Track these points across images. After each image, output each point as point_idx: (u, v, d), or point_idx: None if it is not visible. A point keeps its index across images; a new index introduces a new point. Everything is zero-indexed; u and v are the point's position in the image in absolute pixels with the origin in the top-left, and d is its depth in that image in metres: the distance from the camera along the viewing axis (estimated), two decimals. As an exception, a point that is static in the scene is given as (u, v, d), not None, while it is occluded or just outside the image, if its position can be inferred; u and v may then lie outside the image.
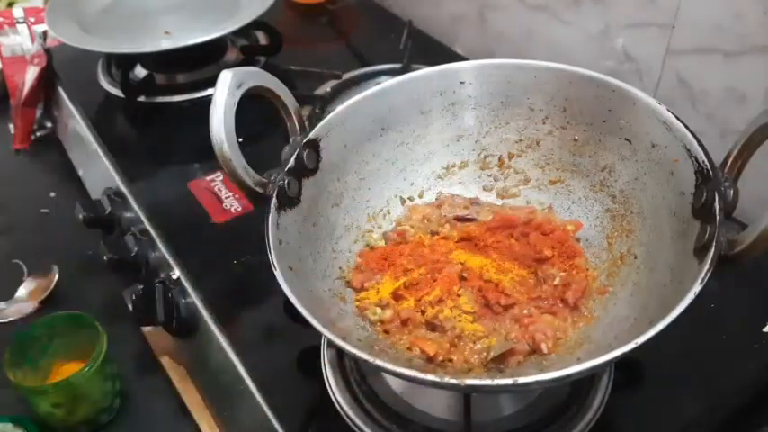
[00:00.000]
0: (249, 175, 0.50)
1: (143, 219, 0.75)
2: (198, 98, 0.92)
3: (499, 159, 0.62)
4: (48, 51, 1.01)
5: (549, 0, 0.88)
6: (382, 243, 0.58)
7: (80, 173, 0.96)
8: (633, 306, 0.48)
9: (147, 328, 0.73)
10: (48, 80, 1.02)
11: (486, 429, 0.52)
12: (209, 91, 0.91)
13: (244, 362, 0.59)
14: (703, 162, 0.45)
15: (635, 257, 0.51)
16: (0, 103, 1.09)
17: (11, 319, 0.77)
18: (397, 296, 0.52)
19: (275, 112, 0.55)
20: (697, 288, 0.39)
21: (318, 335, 0.43)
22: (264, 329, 0.63)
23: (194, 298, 0.66)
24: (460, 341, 0.49)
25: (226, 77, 0.48)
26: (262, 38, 1.02)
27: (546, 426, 0.52)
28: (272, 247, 0.46)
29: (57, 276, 0.81)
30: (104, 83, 0.97)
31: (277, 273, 0.45)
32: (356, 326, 0.50)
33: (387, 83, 0.59)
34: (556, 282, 0.52)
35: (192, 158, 0.83)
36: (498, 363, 0.47)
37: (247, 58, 0.98)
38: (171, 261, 0.69)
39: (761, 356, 0.58)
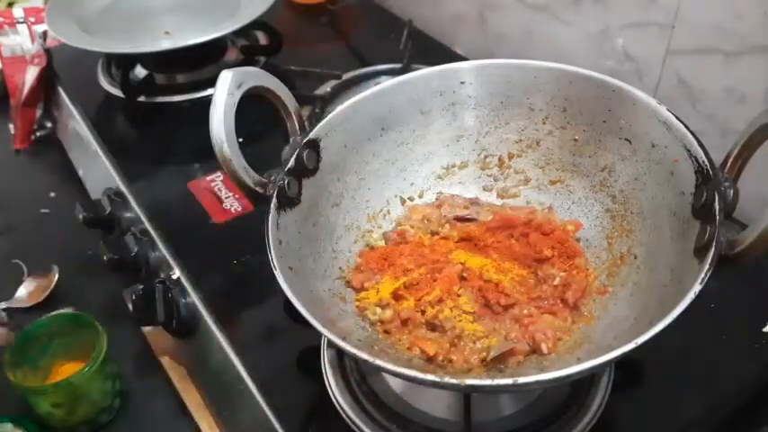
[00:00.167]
0: (249, 175, 0.50)
1: (143, 219, 0.75)
2: (198, 98, 0.92)
3: (499, 159, 0.62)
4: (48, 51, 1.01)
5: (549, 0, 0.88)
6: (382, 243, 0.58)
7: (80, 173, 0.96)
8: (633, 306, 0.48)
9: (147, 328, 0.73)
10: (48, 80, 1.02)
11: (486, 429, 0.52)
12: (209, 91, 0.91)
13: (244, 362, 0.59)
14: (703, 162, 0.45)
15: (635, 257, 0.51)
16: (0, 103, 1.09)
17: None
18: (397, 296, 0.52)
19: (275, 112, 0.55)
20: (697, 288, 0.39)
21: (318, 335, 0.43)
22: (264, 329, 0.63)
23: (194, 298, 0.66)
24: (460, 341, 0.49)
25: (226, 77, 0.48)
26: (262, 38, 1.02)
27: (546, 426, 0.52)
28: (272, 247, 0.46)
29: (57, 276, 0.81)
30: (104, 83, 0.97)
31: (277, 273, 0.45)
32: (356, 326, 0.50)
33: (387, 83, 0.59)
34: (556, 282, 0.52)
35: (192, 158, 0.83)
36: (498, 363, 0.47)
37: (247, 58, 0.98)
38: (171, 261, 0.69)
39: (761, 356, 0.58)
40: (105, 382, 0.64)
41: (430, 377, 0.38)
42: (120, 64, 0.97)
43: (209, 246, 0.72)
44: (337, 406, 0.54)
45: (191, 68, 0.97)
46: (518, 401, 0.54)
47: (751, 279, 0.63)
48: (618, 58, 0.82)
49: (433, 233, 0.58)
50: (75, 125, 0.94)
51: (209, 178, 0.80)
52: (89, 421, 0.65)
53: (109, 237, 0.80)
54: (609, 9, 0.80)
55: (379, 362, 0.39)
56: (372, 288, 0.53)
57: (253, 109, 0.51)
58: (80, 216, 0.78)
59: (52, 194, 0.96)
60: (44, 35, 1.02)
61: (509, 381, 0.38)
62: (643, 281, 0.49)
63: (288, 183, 0.51)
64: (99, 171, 0.87)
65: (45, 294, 0.80)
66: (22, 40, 1.05)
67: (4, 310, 0.78)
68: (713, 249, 0.40)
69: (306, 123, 0.55)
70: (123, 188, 0.81)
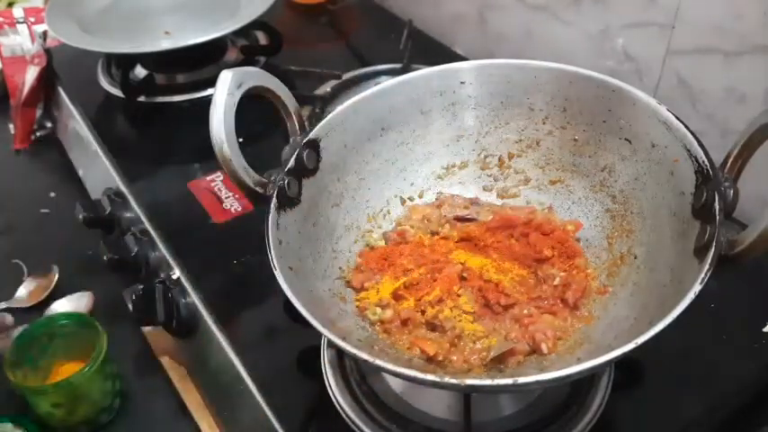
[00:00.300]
0: (249, 175, 0.50)
1: (143, 219, 0.75)
2: (198, 98, 0.92)
3: (499, 159, 0.62)
4: (48, 51, 1.01)
5: (549, 0, 0.88)
6: (382, 243, 0.58)
7: (80, 173, 0.96)
8: (633, 306, 0.48)
9: (147, 328, 0.73)
10: (48, 80, 1.02)
11: (486, 429, 0.52)
12: (209, 91, 0.91)
13: (244, 362, 0.59)
14: (703, 162, 0.45)
15: (635, 257, 0.51)
16: (0, 103, 1.09)
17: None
18: (397, 296, 0.52)
19: (275, 112, 0.55)
20: (697, 288, 0.39)
21: (318, 335, 0.43)
22: (264, 329, 0.63)
23: (194, 298, 0.66)
24: (460, 341, 0.49)
25: (226, 77, 0.48)
26: (262, 38, 1.02)
27: (546, 426, 0.52)
28: (272, 247, 0.46)
29: (57, 276, 0.81)
30: (104, 83, 0.97)
31: (277, 273, 0.45)
32: (356, 326, 0.50)
33: (387, 83, 0.59)
34: (556, 282, 0.52)
35: (192, 158, 0.83)
36: (498, 363, 0.47)
37: (247, 58, 0.98)
38: (171, 261, 0.69)
39: (761, 356, 0.58)
40: (105, 382, 0.64)
41: (430, 377, 0.38)
42: (120, 64, 0.97)
43: (209, 246, 0.72)
44: (337, 406, 0.54)
45: (191, 68, 0.97)
46: (518, 401, 0.54)
47: (751, 279, 0.63)
48: (618, 58, 0.82)
49: (433, 233, 0.58)
50: (75, 125, 0.94)
51: (209, 178, 0.80)
52: (89, 421, 0.65)
53: (109, 237, 0.80)
54: (609, 9, 0.80)
55: (379, 362, 0.39)
56: (372, 288, 0.53)
57: (253, 109, 0.51)
58: (80, 216, 0.78)
59: (52, 194, 0.96)
60: (44, 35, 1.02)
61: (509, 381, 0.38)
62: (643, 281, 0.49)
63: (288, 183, 0.51)
64: (99, 171, 0.87)
65: (45, 294, 0.80)
66: (22, 40, 1.05)
67: (3, 310, 0.78)
68: (713, 249, 0.40)
69: (306, 123, 0.55)
70: (123, 188, 0.81)
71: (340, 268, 0.55)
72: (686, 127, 0.48)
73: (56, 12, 0.97)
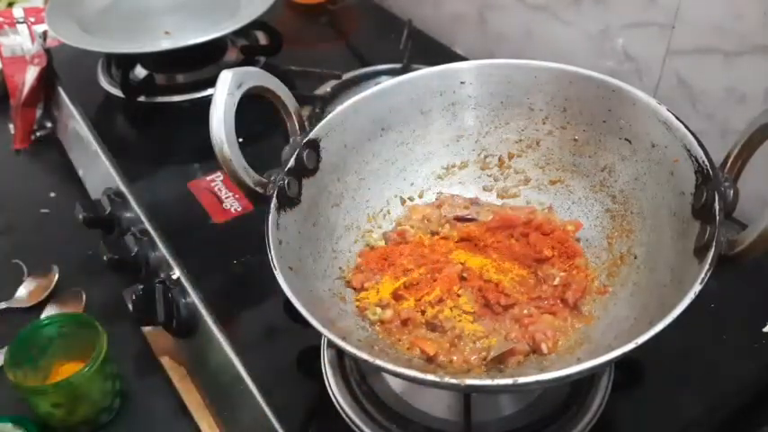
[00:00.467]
0: (249, 175, 0.50)
1: (143, 219, 0.75)
2: (198, 98, 0.92)
3: (499, 159, 0.62)
4: (48, 51, 1.01)
5: (549, 0, 0.88)
6: (382, 243, 0.58)
7: (80, 173, 0.96)
8: (633, 306, 0.48)
9: (147, 328, 0.73)
10: (48, 80, 1.02)
11: (486, 429, 0.52)
12: (209, 91, 0.91)
13: (244, 362, 0.59)
14: (703, 162, 0.45)
15: (635, 257, 0.51)
16: (0, 103, 1.09)
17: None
18: (397, 296, 0.52)
19: (275, 112, 0.55)
20: (697, 288, 0.39)
21: (318, 335, 0.43)
22: (264, 329, 0.63)
23: (194, 298, 0.66)
24: (460, 341, 0.49)
25: (226, 77, 0.48)
26: (262, 38, 1.02)
27: (546, 426, 0.52)
28: (272, 247, 0.46)
29: (57, 276, 0.81)
30: (104, 83, 0.97)
31: (277, 273, 0.45)
32: (356, 326, 0.50)
33: (387, 83, 0.59)
34: (556, 282, 0.52)
35: (192, 158, 0.83)
36: (498, 363, 0.47)
37: (247, 58, 0.98)
38: (171, 261, 0.69)
39: (761, 356, 0.58)
40: (105, 382, 0.64)
41: (430, 377, 0.38)
42: (120, 64, 0.97)
43: (209, 246, 0.72)
44: (337, 406, 0.54)
45: (191, 68, 0.97)
46: (518, 401, 0.54)
47: (751, 279, 0.63)
48: (618, 58, 0.82)
49: (433, 233, 0.58)
50: (75, 125, 0.94)
51: (209, 178, 0.80)
52: (89, 421, 0.65)
53: (109, 237, 0.80)
54: (609, 9, 0.80)
55: (379, 362, 0.39)
56: (372, 288, 0.53)
57: (253, 109, 0.51)
58: (80, 216, 0.78)
59: (52, 194, 0.96)
60: (44, 35, 1.02)
61: (509, 381, 0.38)
62: (643, 281, 0.49)
63: (288, 183, 0.51)
64: (99, 171, 0.87)
65: (45, 294, 0.80)
66: (22, 40, 1.05)
67: (4, 310, 0.78)
68: (713, 249, 0.40)
69: (306, 123, 0.55)
70: (123, 188, 0.81)
71: (340, 268, 0.55)
72: (686, 127, 0.48)
73: (56, 12, 0.97)
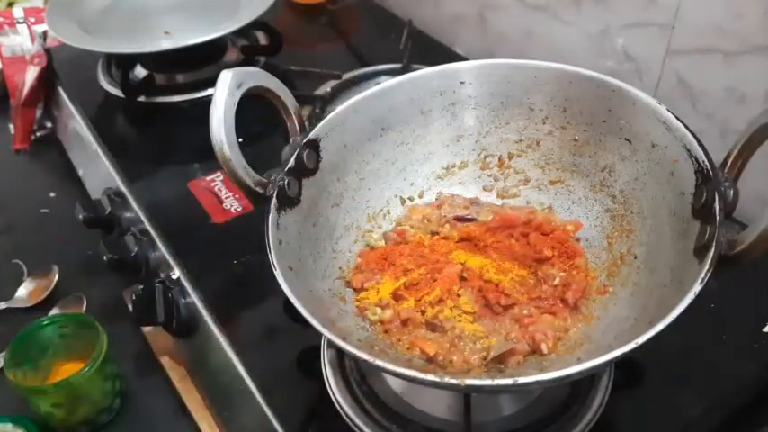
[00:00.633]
0: (249, 175, 0.50)
1: (143, 219, 0.75)
2: (198, 98, 0.92)
3: (499, 159, 0.62)
4: (48, 51, 1.01)
5: (549, 0, 0.88)
6: (382, 243, 0.58)
7: (80, 173, 0.96)
8: (633, 306, 0.48)
9: (147, 328, 0.73)
10: (48, 80, 1.02)
11: (486, 429, 0.52)
12: (209, 91, 0.91)
13: (244, 362, 0.59)
14: (703, 162, 0.45)
15: (635, 257, 0.51)
16: (0, 103, 1.09)
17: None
18: (397, 296, 0.52)
19: (275, 112, 0.55)
20: (697, 288, 0.39)
21: (318, 335, 0.43)
22: (264, 329, 0.63)
23: (194, 298, 0.66)
24: (460, 341, 0.49)
25: (226, 77, 0.48)
26: (262, 38, 1.02)
27: (546, 426, 0.52)
28: (272, 247, 0.46)
29: (57, 276, 0.81)
30: (104, 83, 0.97)
31: (277, 273, 0.45)
32: (356, 326, 0.50)
33: (387, 83, 0.59)
34: (556, 282, 0.52)
35: (192, 158, 0.83)
36: (498, 363, 0.47)
37: (247, 58, 0.98)
38: (171, 261, 0.69)
39: (761, 356, 0.58)
40: (105, 382, 0.64)
41: (430, 377, 0.38)
42: (120, 64, 0.97)
43: (209, 246, 0.72)
44: (337, 406, 0.54)
45: (191, 68, 0.97)
46: (518, 401, 0.54)
47: (751, 279, 0.63)
48: (618, 58, 0.82)
49: (433, 233, 0.58)
50: (75, 125, 0.94)
51: (209, 178, 0.80)
52: (89, 421, 0.65)
53: (109, 237, 0.80)
54: (609, 9, 0.80)
55: (379, 362, 0.39)
56: (372, 288, 0.53)
57: (253, 109, 0.51)
58: (80, 216, 0.78)
59: (52, 194, 0.96)
60: (44, 35, 1.02)
61: (509, 381, 0.38)
62: (643, 281, 0.49)
63: (288, 183, 0.51)
64: (99, 171, 0.87)
65: (45, 294, 0.80)
66: (22, 40, 1.05)
67: (4, 310, 0.78)
68: (713, 249, 0.40)
69: (306, 123, 0.55)
70: (123, 188, 0.81)
71: (340, 268, 0.55)
72: (686, 127, 0.48)
73: (56, 12, 0.97)
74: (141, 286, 0.65)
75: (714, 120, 0.73)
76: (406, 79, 0.59)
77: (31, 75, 1.00)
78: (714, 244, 0.41)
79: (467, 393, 0.51)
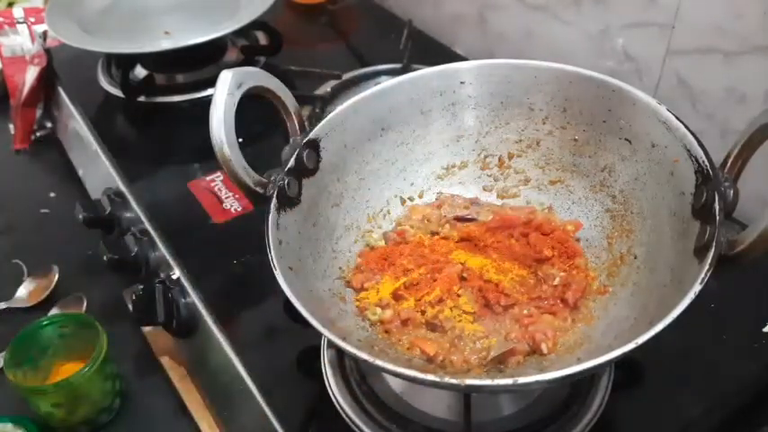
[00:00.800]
0: (249, 175, 0.50)
1: (143, 219, 0.75)
2: (198, 98, 0.92)
3: (499, 159, 0.62)
4: (48, 51, 1.01)
5: (549, 0, 0.88)
6: (382, 243, 0.58)
7: (80, 173, 0.96)
8: (633, 306, 0.48)
9: (147, 328, 0.73)
10: (48, 80, 1.02)
11: (486, 429, 0.52)
12: (209, 91, 0.91)
13: (244, 362, 0.59)
14: (703, 162, 0.45)
15: (635, 257, 0.51)
16: (0, 103, 1.09)
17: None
18: (397, 296, 0.52)
19: (275, 112, 0.55)
20: (697, 288, 0.39)
21: (318, 335, 0.43)
22: (264, 329, 0.63)
23: (194, 298, 0.66)
24: (460, 341, 0.49)
25: (226, 77, 0.48)
26: (262, 38, 1.02)
27: (546, 426, 0.52)
28: (272, 247, 0.46)
29: (57, 276, 0.81)
30: (104, 83, 0.97)
31: (277, 273, 0.45)
32: (356, 326, 0.50)
33: (387, 83, 0.59)
34: (556, 282, 0.52)
35: (192, 158, 0.83)
36: (498, 363, 0.47)
37: (247, 58, 0.98)
38: (171, 261, 0.69)
39: (761, 356, 0.58)
40: (105, 382, 0.64)
41: (430, 377, 0.38)
42: (120, 64, 0.97)
43: (209, 246, 0.72)
44: (337, 406, 0.54)
45: (191, 68, 0.97)
46: (518, 401, 0.54)
47: (751, 279, 0.63)
48: (618, 58, 0.82)
49: (433, 233, 0.58)
50: (75, 125, 0.94)
51: (209, 178, 0.80)
52: (89, 421, 0.65)
53: (109, 237, 0.80)
54: (609, 9, 0.80)
55: (379, 362, 0.39)
56: (372, 288, 0.53)
57: (253, 109, 0.51)
58: (80, 216, 0.78)
59: (52, 194, 0.96)
60: (44, 35, 1.02)
61: (509, 381, 0.38)
62: (643, 281, 0.49)
63: (288, 183, 0.51)
64: (99, 171, 0.87)
65: (45, 294, 0.80)
66: (22, 40, 1.05)
67: (4, 310, 0.78)
68: (713, 249, 0.40)
69: (306, 123, 0.55)
70: (123, 188, 0.81)
71: (340, 268, 0.55)
72: (686, 127, 0.48)
73: (56, 12, 0.97)
74: (141, 286, 0.65)
75: (714, 120, 0.73)
76: (406, 79, 0.59)
77: (31, 75, 1.00)
78: (714, 244, 0.41)
79: (467, 393, 0.51)
